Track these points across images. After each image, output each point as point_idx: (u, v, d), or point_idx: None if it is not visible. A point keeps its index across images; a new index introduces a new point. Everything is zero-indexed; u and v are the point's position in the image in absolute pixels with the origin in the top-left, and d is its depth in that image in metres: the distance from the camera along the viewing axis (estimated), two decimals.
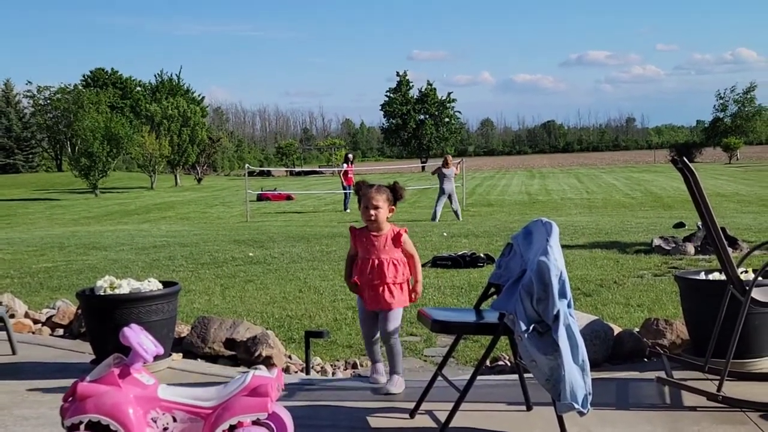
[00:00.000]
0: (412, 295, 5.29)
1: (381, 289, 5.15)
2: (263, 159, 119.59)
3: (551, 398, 4.10)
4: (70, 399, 3.80)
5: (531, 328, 4.08)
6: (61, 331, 7.65)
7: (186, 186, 60.33)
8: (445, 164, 23.68)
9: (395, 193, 5.24)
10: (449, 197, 23.47)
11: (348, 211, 29.24)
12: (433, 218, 22.90)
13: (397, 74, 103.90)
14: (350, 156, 32.20)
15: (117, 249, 16.10)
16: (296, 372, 6.30)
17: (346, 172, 30.29)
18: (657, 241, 12.97)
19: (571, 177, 54.36)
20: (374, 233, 5.21)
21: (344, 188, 30.50)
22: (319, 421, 4.75)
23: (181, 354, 6.49)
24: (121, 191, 53.32)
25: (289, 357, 6.65)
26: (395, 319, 5.23)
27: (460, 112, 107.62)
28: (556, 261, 4.05)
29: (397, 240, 5.19)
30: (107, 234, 20.55)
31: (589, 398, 4.00)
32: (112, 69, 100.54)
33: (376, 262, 5.16)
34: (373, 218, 5.15)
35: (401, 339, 7.27)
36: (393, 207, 5.24)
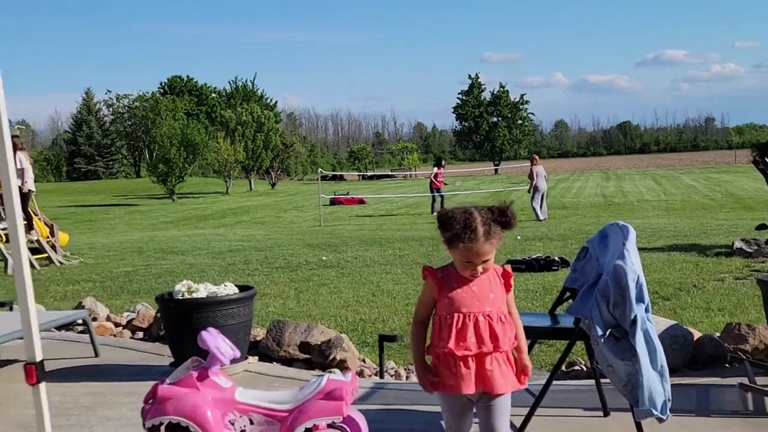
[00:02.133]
0: (521, 377, 3.56)
1: (489, 360, 3.42)
2: (336, 163, 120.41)
3: (629, 404, 4.04)
4: (151, 401, 3.88)
5: (608, 332, 4.03)
6: (141, 334, 7.83)
7: (260, 191, 61.09)
8: (535, 162, 24.03)
9: (505, 223, 3.43)
10: (542, 196, 23.67)
11: (435, 214, 29.23)
12: (537, 218, 23.11)
13: (469, 77, 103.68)
14: (442, 160, 32.31)
15: (194, 253, 16.39)
16: (370, 376, 6.32)
17: (436, 176, 30.35)
18: (738, 244, 12.67)
19: (647, 178, 53.43)
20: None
21: (432, 191, 30.55)
22: (394, 425, 4.76)
23: (256, 357, 6.58)
24: (197, 196, 54.25)
25: (363, 361, 6.68)
26: (508, 411, 3.57)
27: (533, 113, 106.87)
28: (633, 265, 4.00)
29: (506, 282, 3.58)
30: (184, 238, 20.94)
31: (669, 404, 3.94)
32: (188, 76, 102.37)
33: (481, 317, 3.43)
34: (479, 274, 3.45)
35: None
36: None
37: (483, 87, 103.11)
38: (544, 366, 6.47)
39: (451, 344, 3.39)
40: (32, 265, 14.18)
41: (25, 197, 15.13)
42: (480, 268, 3.41)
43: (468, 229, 3.33)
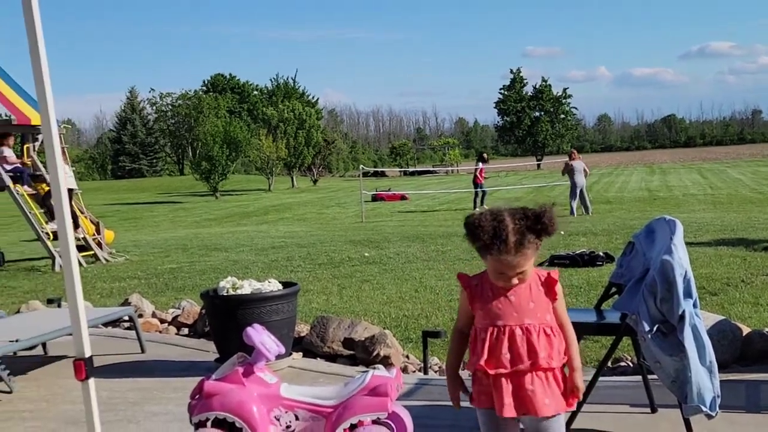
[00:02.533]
0: (570, 399, 3.17)
1: (530, 378, 3.07)
2: (377, 159, 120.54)
3: (677, 401, 3.99)
4: (197, 396, 3.92)
5: (655, 328, 3.98)
6: (186, 331, 7.91)
7: (302, 187, 61.36)
8: (572, 157, 23.85)
9: (542, 230, 3.04)
10: (581, 191, 23.49)
11: (477, 209, 29.24)
12: (572, 213, 22.98)
13: (511, 71, 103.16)
14: (485, 155, 32.47)
15: (237, 250, 16.50)
16: (414, 372, 6.32)
17: (480, 171, 30.42)
18: None
19: (693, 172, 52.74)
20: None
21: (475, 186, 30.59)
22: (439, 421, 4.76)
23: (300, 353, 6.61)
24: (240, 193, 54.62)
25: (407, 357, 6.68)
26: None
27: (576, 108, 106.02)
28: (681, 260, 3.94)
29: (549, 289, 3.17)
30: (227, 235, 21.10)
31: (718, 401, 3.88)
32: (231, 74, 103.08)
33: (518, 330, 3.09)
34: (515, 284, 3.11)
35: None
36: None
37: (525, 82, 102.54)
38: (590, 362, 6.42)
39: (483, 361, 3.06)
40: (79, 263, 14.39)
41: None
42: (515, 280, 3.06)
43: (497, 240, 2.96)
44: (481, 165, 30.84)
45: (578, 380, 3.14)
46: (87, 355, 3.23)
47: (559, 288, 3.17)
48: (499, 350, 3.05)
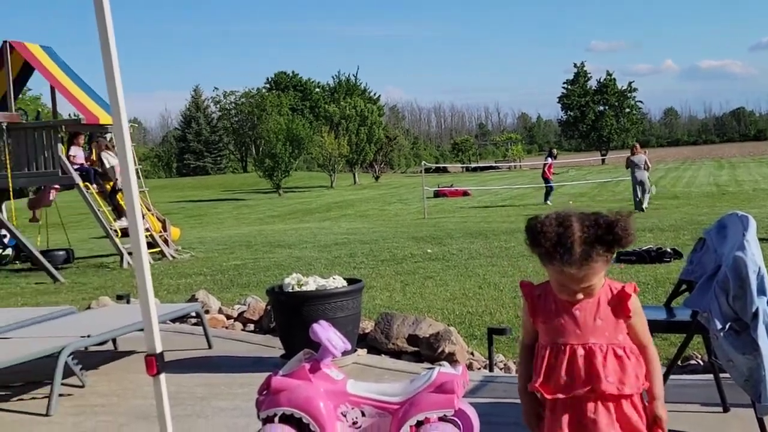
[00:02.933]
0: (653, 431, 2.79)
1: (592, 407, 2.72)
2: (439, 156, 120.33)
3: (750, 400, 3.91)
4: (265, 392, 3.95)
5: (727, 326, 3.91)
6: (251, 327, 7.99)
7: (364, 184, 61.54)
8: (633, 152, 23.70)
9: (615, 241, 2.67)
10: (641, 185, 23.28)
11: (548, 203, 29.13)
12: (637, 208, 22.77)
13: (575, 65, 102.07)
14: (554, 151, 32.75)
15: (300, 246, 16.63)
16: (479, 369, 6.30)
17: (549, 166, 30.39)
18: None
19: (763, 166, 51.54)
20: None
21: (546, 182, 30.51)
22: (505, 418, 4.73)
23: (365, 350, 6.63)
24: (302, 190, 55.02)
25: (472, 354, 6.66)
26: None
27: (641, 102, 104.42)
28: (754, 256, 3.86)
29: (620, 306, 2.78)
30: (290, 232, 21.27)
31: None
32: (293, 72, 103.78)
33: (580, 350, 2.74)
34: (580, 298, 2.76)
35: None
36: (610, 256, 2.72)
37: (589, 76, 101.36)
38: (660, 360, 6.32)
39: (539, 383, 2.75)
40: None
41: (118, 190, 15.73)
42: (580, 294, 2.70)
43: (561, 249, 2.61)
44: (549, 160, 30.78)
45: (660, 410, 2.78)
46: (158, 350, 3.28)
47: (633, 304, 2.77)
48: (558, 372, 2.71)
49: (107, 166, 15.73)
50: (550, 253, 2.64)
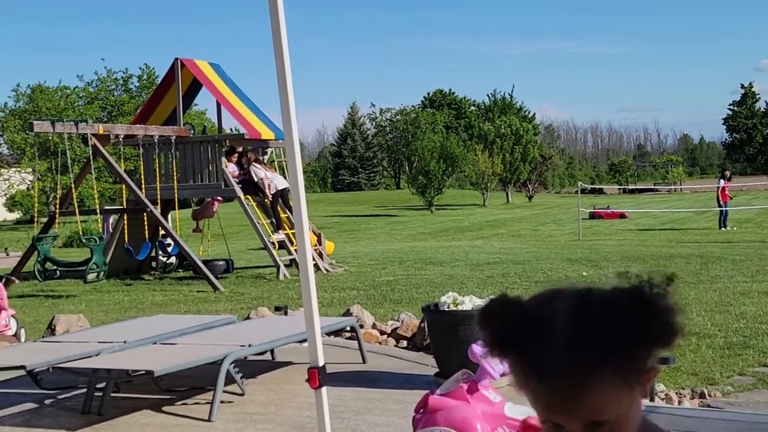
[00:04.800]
0: None
1: None
2: (594, 176, 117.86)
3: None
4: (421, 410, 3.96)
5: None
6: (404, 343, 8.04)
7: (517, 203, 60.97)
8: None
9: (656, 336, 1.21)
10: None
11: (723, 229, 27.93)
12: None
13: (742, 86, 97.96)
14: (727, 173, 31.33)
15: (452, 264, 16.61)
16: None
17: (723, 189, 29.21)
18: None
19: None
20: None
21: (720, 205, 29.33)
22: None
23: None
24: (454, 208, 55.04)
25: None
26: None
27: None
28: None
29: None
30: (442, 249, 21.29)
31: None
32: (450, 90, 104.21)
33: None
34: None
35: (753, 370, 6.78)
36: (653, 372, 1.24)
37: (757, 97, 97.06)
38: None
39: None
40: None
41: (273, 202, 16.08)
42: None
43: (529, 342, 1.25)
44: (723, 182, 29.50)
45: None
46: (321, 364, 3.34)
47: None
48: None
49: (255, 179, 16.18)
50: (512, 352, 1.29)
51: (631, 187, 79.72)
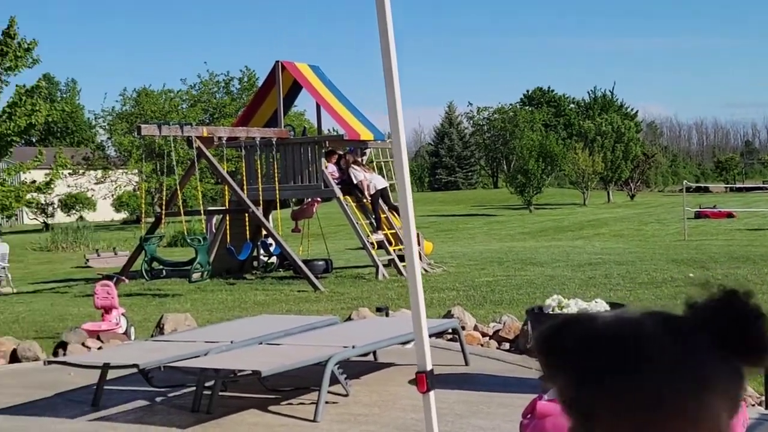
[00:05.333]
0: None
1: None
2: (699, 174, 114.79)
3: None
4: (529, 416, 3.91)
5: None
6: (506, 345, 7.98)
7: (618, 202, 59.86)
8: None
9: (745, 350, 1.02)
10: None
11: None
12: None
13: None
14: None
15: (553, 265, 16.42)
16: (753, 405, 5.92)
17: None
18: None
19: None
20: None
21: None
22: None
23: None
24: (554, 207, 54.38)
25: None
26: None
27: None
28: None
29: None
30: (542, 250, 21.06)
31: None
32: (549, 88, 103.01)
33: None
34: None
35: None
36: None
37: None
38: None
39: None
40: (399, 272, 15.06)
41: (372, 202, 16.11)
42: None
43: (627, 375, 1.02)
44: None
45: None
46: (429, 368, 3.34)
47: None
48: None
49: (355, 181, 16.27)
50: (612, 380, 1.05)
51: (738, 185, 77.35)
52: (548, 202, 58.10)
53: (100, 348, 8.37)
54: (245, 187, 16.02)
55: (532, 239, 28.39)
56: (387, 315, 8.48)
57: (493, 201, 64.93)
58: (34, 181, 22.38)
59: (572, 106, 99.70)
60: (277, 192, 15.75)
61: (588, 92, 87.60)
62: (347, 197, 15.99)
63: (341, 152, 16.76)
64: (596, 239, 26.96)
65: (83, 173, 46.28)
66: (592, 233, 30.87)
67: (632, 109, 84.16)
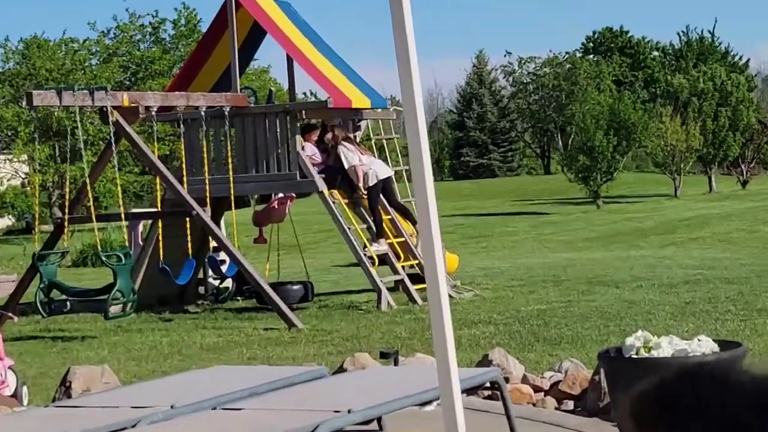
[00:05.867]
0: None
1: None
2: None
3: None
4: None
5: None
6: (570, 404, 7.96)
7: (725, 192, 59.87)
8: None
9: None
10: None
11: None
12: None
13: None
14: None
15: (632, 285, 16.42)
16: None
17: None
18: None
19: None
20: None
21: None
22: None
23: None
24: (631, 201, 54.43)
25: None
26: None
27: None
28: None
29: None
30: (616, 263, 21.06)
31: None
32: (621, 29, 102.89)
33: None
34: None
35: None
36: None
37: None
38: None
39: None
40: (412, 299, 15.03)
41: (371, 198, 15.81)
42: None
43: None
44: None
45: None
46: None
47: None
48: None
49: (346, 165, 15.94)
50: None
51: None
52: (623, 194, 58.15)
53: None
54: (185, 178, 15.92)
55: (601, 247, 28.41)
56: (396, 363, 8.44)
57: (544, 193, 64.97)
58: None
59: (656, 54, 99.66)
60: (232, 185, 15.69)
61: (678, 34, 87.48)
62: (334, 191, 15.90)
63: (326, 125, 16.62)
64: (693, 246, 27.00)
65: None
66: (687, 237, 30.90)
67: (742, 58, 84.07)
